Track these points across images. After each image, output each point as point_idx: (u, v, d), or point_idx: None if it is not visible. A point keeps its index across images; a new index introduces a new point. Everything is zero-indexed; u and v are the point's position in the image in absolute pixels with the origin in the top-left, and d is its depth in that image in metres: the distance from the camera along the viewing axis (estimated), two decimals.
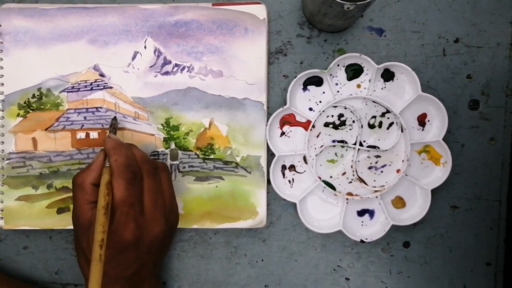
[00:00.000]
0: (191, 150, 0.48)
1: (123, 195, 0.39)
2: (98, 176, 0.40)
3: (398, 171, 0.47)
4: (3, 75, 0.47)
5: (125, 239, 0.39)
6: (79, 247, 0.41)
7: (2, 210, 0.47)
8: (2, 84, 0.47)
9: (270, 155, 0.47)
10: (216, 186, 0.48)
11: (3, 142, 0.47)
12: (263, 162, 0.47)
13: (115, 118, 0.46)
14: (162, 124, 0.47)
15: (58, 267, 0.49)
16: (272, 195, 0.48)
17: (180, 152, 0.48)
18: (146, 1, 0.48)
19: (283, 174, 0.48)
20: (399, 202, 0.48)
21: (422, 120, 0.47)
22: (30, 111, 0.47)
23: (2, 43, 0.47)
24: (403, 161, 0.47)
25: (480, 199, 0.49)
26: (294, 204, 0.47)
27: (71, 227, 0.47)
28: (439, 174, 0.47)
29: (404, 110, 0.46)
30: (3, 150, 0.47)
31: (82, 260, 0.41)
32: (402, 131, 0.47)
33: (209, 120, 0.47)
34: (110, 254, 0.38)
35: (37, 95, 0.47)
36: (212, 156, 0.48)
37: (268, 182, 0.47)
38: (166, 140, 0.48)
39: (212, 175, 0.48)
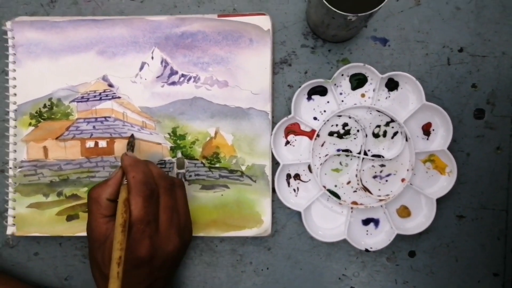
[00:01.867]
0: (197, 159, 0.48)
1: (140, 213, 0.39)
2: (114, 191, 0.41)
3: (403, 180, 0.47)
4: (16, 86, 0.49)
5: (140, 256, 0.39)
6: (93, 260, 0.42)
7: (14, 217, 0.48)
8: (15, 94, 0.49)
9: (275, 164, 0.48)
10: (222, 195, 0.48)
11: (15, 151, 0.49)
12: (268, 171, 0.48)
13: (132, 136, 0.46)
14: (169, 133, 0.48)
15: (68, 273, 0.50)
16: (277, 204, 0.49)
17: (186, 161, 0.48)
18: (153, 13, 0.49)
19: (288, 183, 0.48)
20: (404, 211, 0.48)
21: (426, 129, 0.47)
22: (42, 120, 0.49)
23: (15, 54, 0.48)
24: (407, 170, 0.47)
25: (486, 208, 0.49)
26: (299, 213, 0.47)
27: (80, 234, 0.48)
28: (444, 183, 0.47)
29: (408, 119, 0.47)
30: (15, 159, 0.49)
31: (97, 274, 0.42)
32: (406, 140, 0.47)
33: (214, 129, 0.48)
34: (124, 269, 0.38)
35: (48, 105, 0.49)
36: (217, 165, 0.48)
37: (273, 190, 0.48)
38: (172, 149, 0.48)
39: (217, 183, 0.48)
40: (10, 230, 0.48)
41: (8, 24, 0.48)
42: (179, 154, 0.48)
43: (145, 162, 0.43)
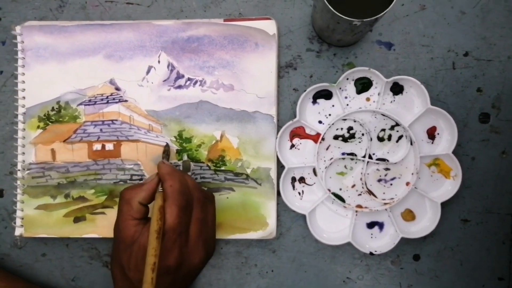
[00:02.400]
0: (203, 162, 0.49)
1: (174, 222, 0.39)
2: (148, 197, 0.41)
3: (407, 184, 0.47)
4: (24, 89, 0.49)
5: (168, 265, 0.40)
6: (117, 260, 0.42)
7: (23, 218, 0.49)
8: (24, 98, 0.49)
9: (280, 167, 0.48)
10: (227, 198, 0.49)
11: (24, 153, 0.49)
12: (273, 174, 0.48)
13: (168, 145, 0.47)
14: (175, 137, 0.49)
15: (74, 274, 0.51)
16: (282, 207, 0.49)
17: (192, 163, 0.49)
18: (160, 18, 0.50)
19: (293, 186, 0.48)
20: (409, 215, 0.48)
21: (431, 133, 0.47)
22: (50, 123, 0.49)
23: (24, 58, 0.49)
24: (412, 174, 0.47)
25: (492, 212, 0.49)
26: (304, 216, 0.48)
27: (87, 235, 0.49)
28: (449, 187, 0.47)
29: (413, 123, 0.47)
30: (24, 161, 0.49)
31: (118, 274, 0.42)
32: (411, 144, 0.47)
33: (220, 132, 0.49)
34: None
35: (56, 108, 0.49)
36: (223, 168, 0.49)
37: (278, 193, 0.48)
38: (178, 152, 0.49)
39: (223, 186, 0.49)
40: (18, 231, 0.49)
41: (18, 29, 0.49)
42: (185, 157, 0.49)
43: (181, 172, 0.43)
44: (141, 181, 0.43)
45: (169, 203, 0.40)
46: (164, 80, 0.49)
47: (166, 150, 0.47)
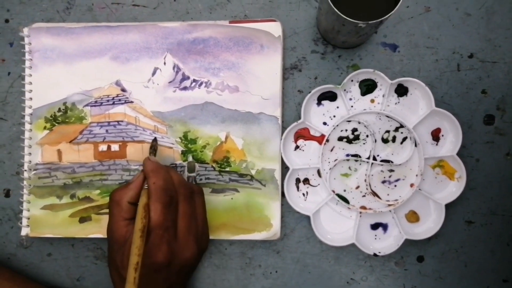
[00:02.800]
0: (207, 163, 0.49)
1: (159, 218, 0.40)
2: (135, 195, 0.42)
3: (411, 185, 0.47)
4: (31, 90, 0.50)
5: (158, 261, 0.40)
6: (112, 261, 0.42)
7: (29, 218, 0.49)
8: (31, 99, 0.50)
9: (285, 168, 0.48)
10: (232, 198, 0.49)
11: (30, 154, 0.50)
12: (278, 175, 0.48)
13: (155, 140, 0.47)
14: (180, 138, 0.49)
15: (80, 274, 0.51)
16: (286, 208, 0.49)
17: (197, 164, 0.49)
18: (166, 19, 0.50)
19: (297, 187, 0.49)
20: (413, 216, 0.48)
21: (436, 135, 0.47)
22: (56, 124, 0.50)
23: (31, 60, 0.50)
24: (416, 175, 0.47)
25: (496, 214, 0.49)
26: (308, 217, 0.48)
27: (93, 235, 0.49)
28: (453, 189, 0.47)
29: (418, 125, 0.47)
30: (30, 161, 0.50)
31: (115, 276, 0.43)
32: (415, 145, 0.47)
33: (225, 133, 0.49)
34: (142, 273, 0.39)
35: (63, 109, 0.50)
36: (227, 169, 0.49)
37: (282, 195, 0.48)
38: (183, 153, 0.49)
39: (227, 187, 0.49)
40: (24, 231, 0.49)
41: (25, 31, 0.49)
42: (190, 158, 0.49)
43: (166, 168, 0.43)
44: (129, 181, 0.43)
45: (153, 200, 0.40)
46: (170, 82, 0.49)
47: (153, 145, 0.46)
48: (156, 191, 0.40)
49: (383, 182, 0.48)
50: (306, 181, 0.49)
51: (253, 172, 0.49)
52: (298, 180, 0.49)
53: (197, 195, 0.45)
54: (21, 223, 0.50)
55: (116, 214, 0.42)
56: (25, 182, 0.50)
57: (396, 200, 0.47)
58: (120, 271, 0.41)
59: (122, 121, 0.50)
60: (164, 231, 0.40)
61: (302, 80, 0.49)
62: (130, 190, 0.42)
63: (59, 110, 0.50)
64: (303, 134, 0.48)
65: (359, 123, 0.48)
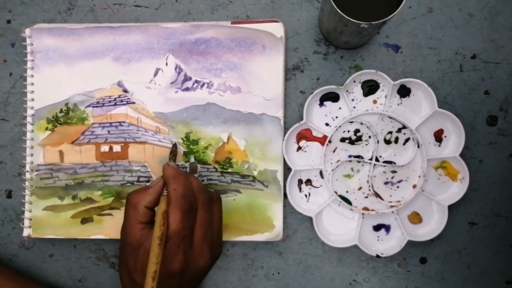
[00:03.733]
0: (209, 164, 0.49)
1: (178, 226, 0.39)
2: (153, 200, 0.41)
3: (414, 186, 0.47)
4: (33, 91, 0.50)
5: (172, 269, 0.40)
6: (124, 263, 0.42)
7: (31, 219, 0.49)
8: (33, 99, 0.50)
9: (287, 169, 0.48)
10: (234, 199, 0.49)
11: (32, 155, 0.50)
12: (280, 176, 0.48)
13: (175, 145, 0.47)
14: (182, 139, 0.49)
15: (82, 275, 0.51)
16: (288, 209, 0.49)
17: (199, 165, 0.49)
18: (167, 20, 0.50)
19: (300, 188, 0.49)
20: (416, 218, 0.48)
21: (438, 136, 0.47)
22: (58, 125, 0.50)
23: (33, 60, 0.50)
24: (419, 176, 0.47)
25: (499, 216, 0.48)
26: (310, 218, 0.48)
27: (94, 236, 0.49)
28: (456, 190, 0.47)
29: (420, 126, 0.47)
30: (32, 162, 0.50)
31: (126, 278, 0.42)
32: (418, 146, 0.47)
33: (227, 134, 0.49)
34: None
35: (65, 110, 0.50)
36: (230, 170, 0.49)
37: (285, 196, 0.48)
38: (186, 154, 0.49)
39: (229, 188, 0.49)
40: (26, 232, 0.49)
41: (27, 31, 0.49)
42: (192, 159, 0.49)
43: (186, 174, 0.42)
44: (147, 184, 0.43)
45: (172, 207, 0.39)
46: (172, 82, 0.49)
47: (173, 151, 0.46)
48: (176, 198, 0.40)
49: (386, 183, 0.48)
50: (308, 182, 0.49)
51: (255, 173, 0.48)
52: (300, 181, 0.49)
53: (215, 203, 0.44)
54: (23, 224, 0.50)
55: (132, 216, 0.41)
56: (27, 183, 0.50)
57: (399, 201, 0.47)
58: (132, 275, 0.41)
59: (124, 122, 0.50)
60: (181, 240, 0.39)
61: (304, 81, 0.49)
62: (149, 194, 0.41)
63: (61, 111, 0.50)
64: (305, 135, 0.48)
65: (362, 124, 0.47)
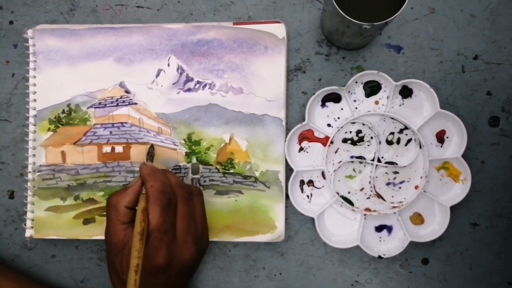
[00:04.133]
0: (211, 165, 0.49)
1: (158, 221, 0.40)
2: (133, 200, 0.42)
3: (416, 187, 0.47)
4: (35, 92, 0.50)
5: (157, 264, 0.40)
6: (111, 265, 0.42)
7: (33, 220, 0.50)
8: (35, 100, 0.50)
9: (289, 170, 0.48)
10: (236, 200, 0.49)
11: (34, 155, 0.50)
12: (282, 177, 0.48)
13: (152, 146, 0.47)
14: (184, 139, 0.49)
15: (84, 276, 0.51)
16: (290, 210, 0.49)
17: (201, 166, 0.49)
18: (169, 21, 0.50)
19: (302, 189, 0.49)
20: (418, 219, 0.48)
21: (440, 137, 0.47)
22: (60, 126, 0.50)
23: (35, 61, 0.50)
24: (421, 177, 0.47)
25: (502, 216, 0.48)
26: (312, 219, 0.48)
27: (96, 237, 0.49)
28: (458, 191, 0.47)
29: (422, 126, 0.47)
30: (34, 163, 0.50)
31: (114, 279, 0.43)
32: (420, 147, 0.47)
33: (229, 135, 0.49)
34: (142, 276, 0.39)
35: (67, 111, 0.50)
36: (232, 171, 0.49)
37: (287, 196, 0.48)
38: (187, 155, 0.49)
39: (231, 189, 0.49)
40: (28, 233, 0.49)
41: (29, 32, 0.50)
42: (194, 160, 0.49)
43: (163, 171, 0.43)
44: (126, 185, 0.43)
45: (151, 203, 0.40)
46: (174, 83, 0.49)
47: (150, 151, 0.47)
48: (154, 194, 0.40)
49: (388, 184, 0.48)
50: (310, 183, 0.49)
51: (257, 174, 0.48)
52: (302, 182, 0.49)
53: (195, 196, 0.44)
54: (25, 224, 0.50)
55: (113, 218, 0.42)
56: (29, 184, 0.50)
57: (401, 202, 0.47)
58: (119, 275, 0.41)
59: (126, 122, 0.50)
60: (163, 234, 0.40)
61: (306, 82, 0.49)
62: (128, 194, 0.42)
63: (63, 111, 0.50)
64: (307, 136, 0.48)
65: (364, 124, 0.47)
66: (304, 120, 0.47)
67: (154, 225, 0.40)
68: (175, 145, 0.49)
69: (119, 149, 0.50)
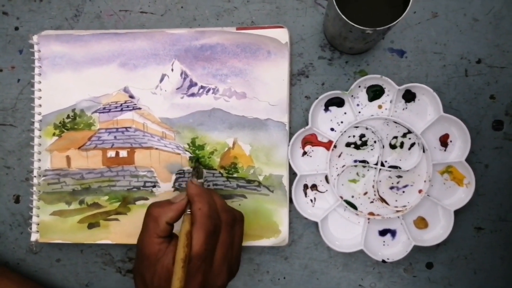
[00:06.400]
0: (215, 169, 0.49)
1: (201, 248, 0.38)
2: (175, 217, 0.40)
3: (420, 191, 0.47)
4: (41, 97, 0.50)
5: None
6: (140, 275, 0.41)
7: (38, 224, 0.50)
8: (40, 105, 0.50)
9: (292, 174, 0.48)
10: (239, 204, 0.49)
11: (39, 160, 0.50)
12: (285, 181, 0.48)
13: (198, 161, 0.47)
14: (188, 144, 0.49)
15: (88, 280, 0.51)
16: (294, 214, 0.49)
17: (205, 170, 0.49)
18: (173, 26, 0.50)
19: (305, 193, 0.49)
20: (421, 223, 0.48)
21: (444, 141, 0.47)
22: (65, 130, 0.50)
23: (40, 67, 0.50)
24: (425, 181, 0.47)
25: (506, 220, 0.48)
26: (316, 223, 0.48)
27: (101, 241, 0.49)
28: (462, 195, 0.47)
29: (425, 130, 0.47)
30: (39, 167, 0.50)
31: (141, 287, 0.42)
32: (424, 151, 0.47)
33: (232, 140, 0.49)
34: None
35: (72, 116, 0.50)
36: (235, 175, 0.49)
37: (290, 201, 0.48)
38: (191, 159, 0.49)
39: (235, 193, 0.49)
40: (33, 237, 0.50)
41: (35, 38, 0.50)
42: (197, 162, 0.49)
43: (210, 192, 0.42)
44: (169, 199, 0.42)
45: (197, 227, 0.39)
46: (177, 88, 0.49)
47: (196, 167, 0.46)
48: (201, 218, 0.39)
49: (391, 188, 0.48)
50: (314, 187, 0.49)
51: (260, 178, 0.49)
52: (306, 186, 0.49)
53: (238, 222, 0.43)
54: (30, 228, 0.50)
55: (151, 229, 0.40)
56: (34, 188, 0.50)
57: (405, 206, 0.47)
58: (148, 286, 0.40)
59: (130, 127, 0.50)
60: (202, 262, 0.39)
61: (309, 86, 0.49)
62: (172, 211, 0.40)
63: (68, 116, 0.50)
64: (310, 140, 0.48)
65: (367, 129, 0.47)
66: (307, 124, 0.47)
67: (197, 252, 0.38)
68: (179, 149, 0.49)
69: (123, 153, 0.50)
